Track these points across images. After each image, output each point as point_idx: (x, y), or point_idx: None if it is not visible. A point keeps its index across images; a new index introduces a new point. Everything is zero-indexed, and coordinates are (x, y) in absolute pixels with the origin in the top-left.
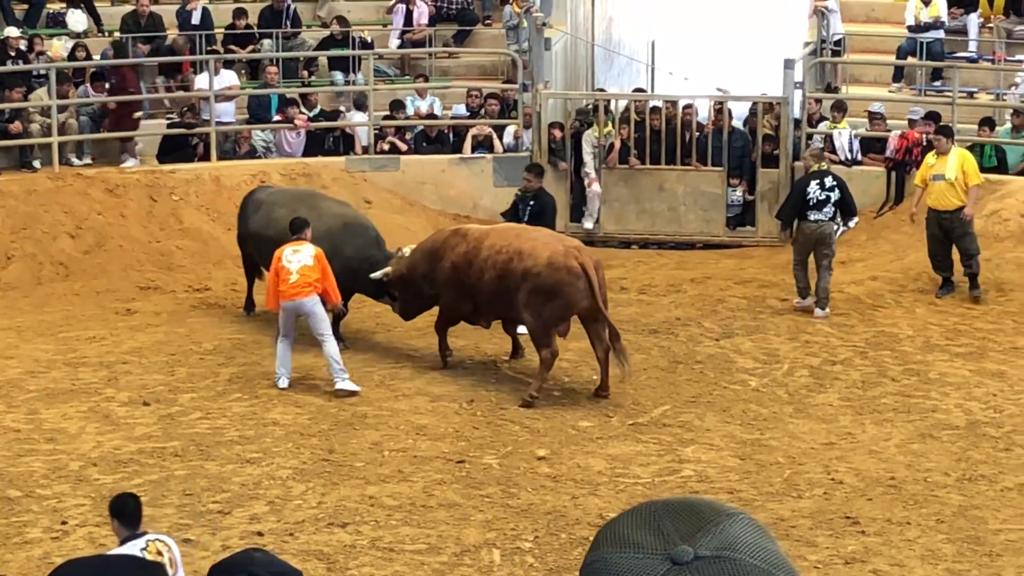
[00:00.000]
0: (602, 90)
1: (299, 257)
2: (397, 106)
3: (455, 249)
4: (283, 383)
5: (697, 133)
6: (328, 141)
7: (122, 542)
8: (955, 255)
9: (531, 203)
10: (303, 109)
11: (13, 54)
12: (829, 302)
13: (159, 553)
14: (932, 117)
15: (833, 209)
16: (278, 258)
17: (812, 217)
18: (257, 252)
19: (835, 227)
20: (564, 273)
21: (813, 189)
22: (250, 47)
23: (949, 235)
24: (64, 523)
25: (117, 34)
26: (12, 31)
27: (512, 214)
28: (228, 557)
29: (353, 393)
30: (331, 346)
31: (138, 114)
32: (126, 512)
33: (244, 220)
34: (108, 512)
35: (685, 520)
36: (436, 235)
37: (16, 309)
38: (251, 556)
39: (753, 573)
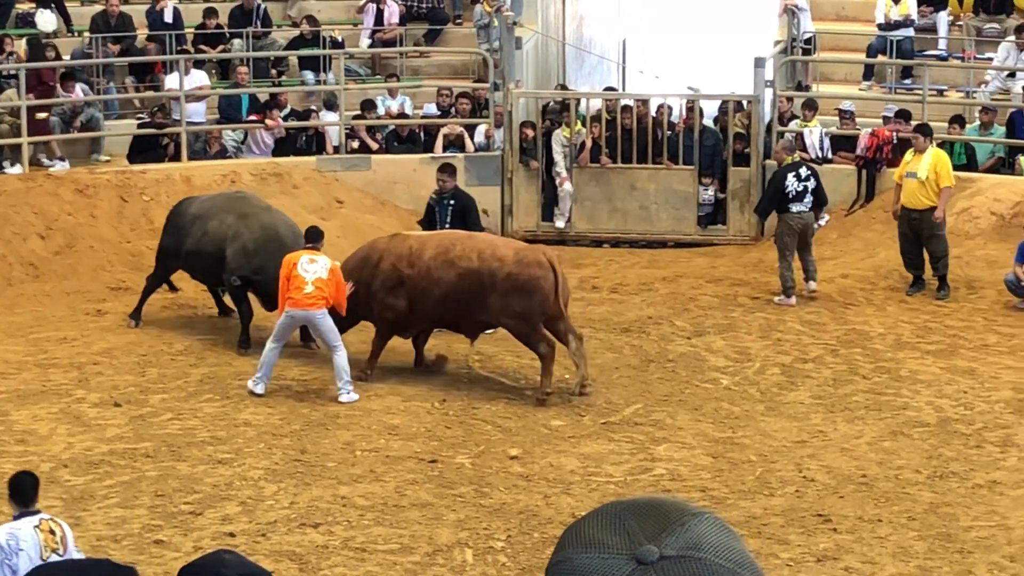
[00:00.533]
0: (563, 86)
1: (315, 268)
2: (368, 106)
3: (394, 251)
4: (260, 389)
5: (669, 132)
6: (300, 141)
7: (15, 518)
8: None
9: (451, 203)
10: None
11: None
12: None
13: (51, 532)
14: (903, 115)
15: (812, 199)
16: (292, 264)
17: (795, 209)
18: (193, 268)
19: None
20: (536, 268)
21: (791, 182)
22: (220, 47)
23: (919, 234)
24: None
25: (87, 34)
26: None
27: (429, 220)
28: (198, 559)
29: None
30: (342, 357)
31: (41, 115)
32: (22, 489)
33: (177, 235)
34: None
35: (651, 520)
36: (370, 242)
37: None
38: (221, 558)
39: (719, 573)
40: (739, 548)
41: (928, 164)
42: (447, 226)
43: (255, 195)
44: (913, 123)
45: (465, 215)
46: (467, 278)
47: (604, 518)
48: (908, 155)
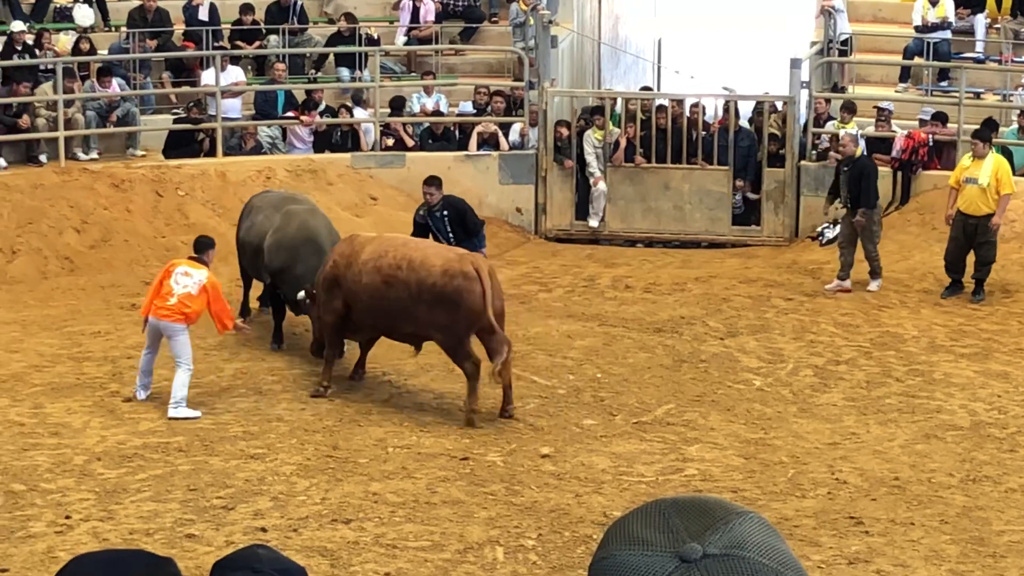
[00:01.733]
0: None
1: (186, 282)
2: (398, 103)
3: (339, 251)
4: (141, 395)
5: (704, 132)
6: (335, 137)
7: None
8: (969, 259)
9: (444, 213)
10: (317, 107)
11: (20, 48)
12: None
13: None
14: (939, 118)
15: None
16: (168, 271)
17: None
18: (240, 258)
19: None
20: (461, 279)
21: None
22: (256, 43)
23: (971, 240)
24: (68, 517)
25: (124, 29)
26: (19, 25)
27: (424, 231)
28: (232, 553)
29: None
30: (183, 375)
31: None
32: None
33: (239, 225)
34: None
35: (695, 518)
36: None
37: (21, 303)
38: (255, 552)
39: (762, 572)
40: (783, 548)
41: (990, 170)
42: (451, 236)
43: (308, 200)
44: (951, 126)
45: (463, 218)
46: (394, 287)
47: (648, 516)
48: (965, 160)
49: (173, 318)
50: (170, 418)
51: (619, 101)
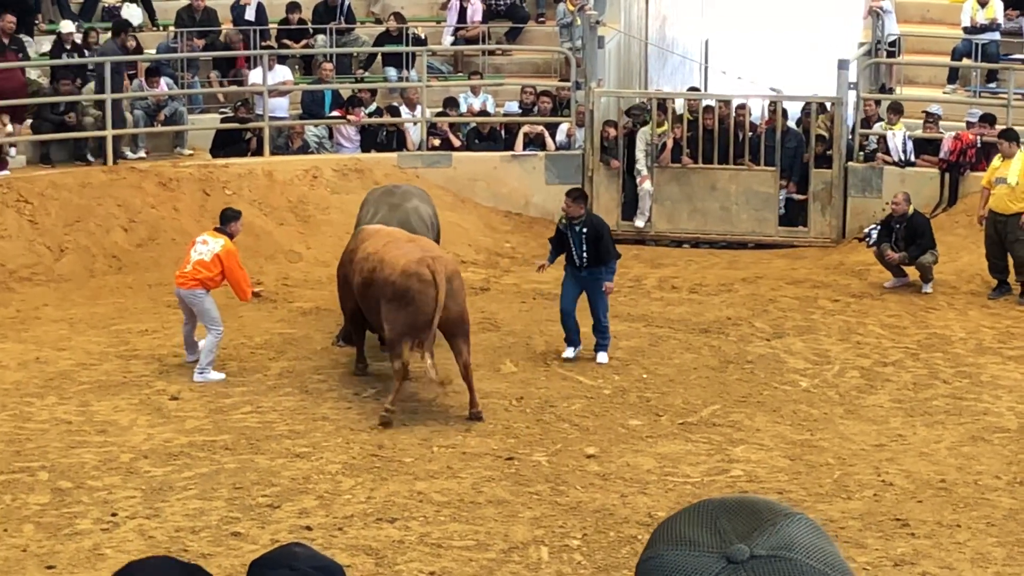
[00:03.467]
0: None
1: (203, 249)
2: (450, 103)
3: (348, 244)
4: (189, 358)
5: (750, 133)
6: (381, 136)
7: None
8: (1012, 262)
9: (583, 231)
10: (362, 105)
11: (68, 47)
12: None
13: None
14: (987, 119)
15: None
16: (192, 243)
17: None
18: None
19: None
20: (415, 281)
21: None
22: (303, 41)
23: (1003, 238)
24: (114, 515)
25: (172, 28)
26: (68, 25)
27: (559, 242)
28: (269, 552)
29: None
30: (211, 340)
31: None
32: None
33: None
34: None
35: (742, 519)
36: None
37: (69, 301)
38: (292, 551)
39: (809, 573)
40: (831, 550)
41: (1018, 169)
42: (584, 255)
43: (413, 189)
44: (998, 127)
45: (598, 241)
46: (367, 284)
47: (696, 516)
48: (996, 161)
49: (189, 285)
50: (195, 381)
51: (666, 101)
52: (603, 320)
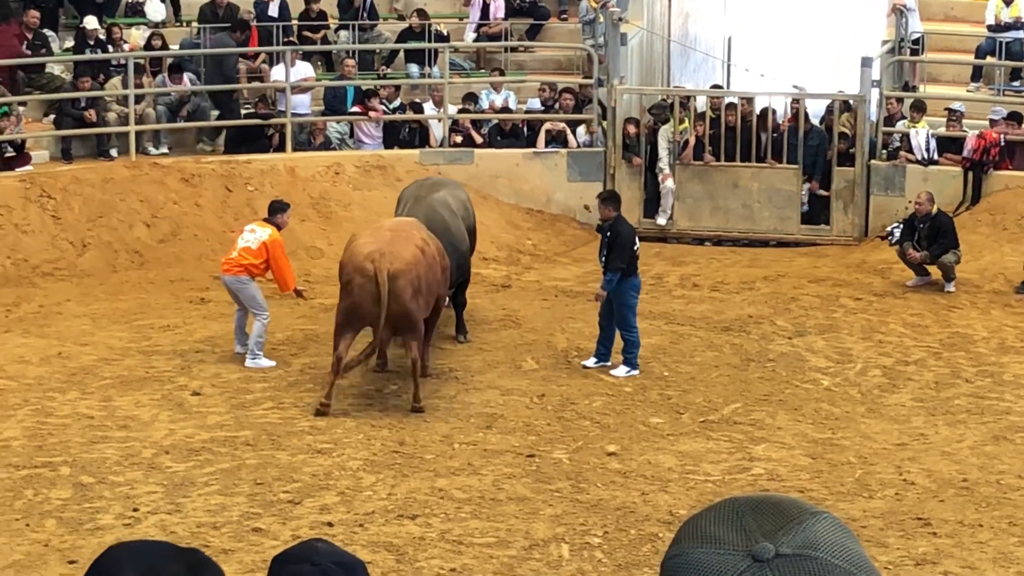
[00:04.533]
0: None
1: (250, 237)
2: (470, 99)
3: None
4: (237, 349)
5: (774, 134)
6: (403, 133)
7: None
8: None
9: (607, 234)
10: (384, 101)
11: (92, 43)
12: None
13: None
14: (1013, 117)
15: None
16: (240, 231)
17: None
18: None
19: None
20: (356, 274)
21: None
22: (322, 33)
23: None
24: (136, 510)
25: (195, 24)
26: (92, 22)
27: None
28: (290, 547)
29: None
30: (259, 326)
31: None
32: None
33: None
34: None
35: (768, 517)
36: None
37: (91, 296)
38: (314, 546)
39: (834, 572)
40: (856, 549)
41: None
42: (603, 256)
43: (443, 180)
44: None
45: (612, 246)
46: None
47: (722, 514)
48: None
49: (233, 271)
50: (247, 366)
51: (700, 99)
52: (623, 333)
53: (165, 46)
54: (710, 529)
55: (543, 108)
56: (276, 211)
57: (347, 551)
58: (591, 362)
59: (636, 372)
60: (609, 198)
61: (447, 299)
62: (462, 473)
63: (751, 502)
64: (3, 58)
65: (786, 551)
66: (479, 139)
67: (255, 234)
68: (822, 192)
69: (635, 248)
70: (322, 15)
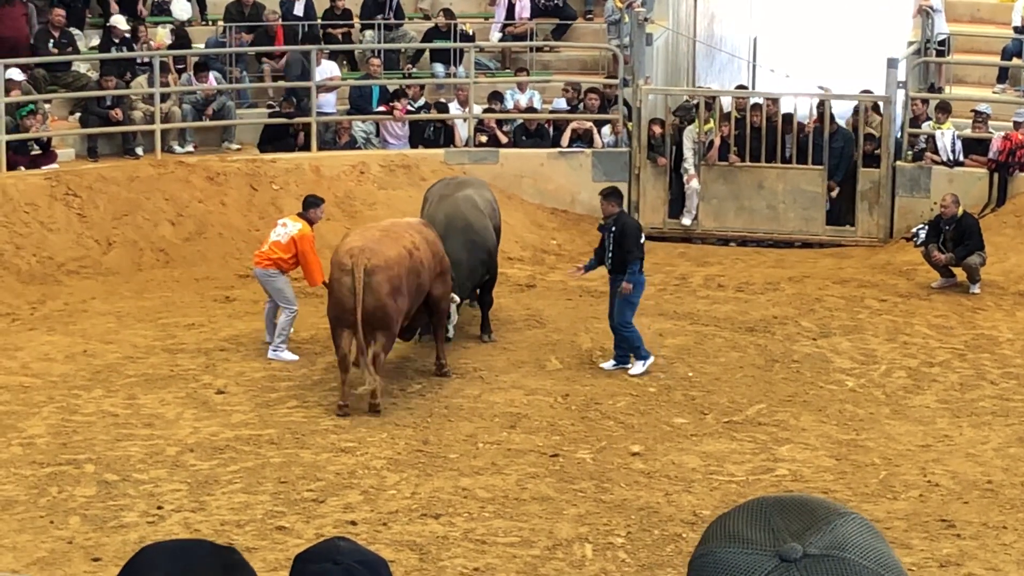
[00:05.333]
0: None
1: (280, 231)
2: (495, 98)
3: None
4: (284, 355)
5: (800, 135)
6: (428, 132)
7: None
8: None
9: (613, 228)
10: (411, 101)
11: (117, 41)
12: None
13: None
14: None
15: None
16: (274, 225)
17: None
18: None
19: None
20: (336, 269)
21: None
22: (343, 29)
23: None
24: (160, 508)
25: (221, 23)
26: (120, 20)
27: (601, 244)
28: (313, 546)
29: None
30: (285, 318)
31: None
32: None
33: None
34: None
35: (796, 518)
36: None
37: (116, 295)
38: (336, 545)
39: (862, 573)
40: (884, 550)
41: None
42: (611, 254)
43: (468, 179)
44: None
45: (622, 241)
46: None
47: (749, 513)
48: None
49: (263, 264)
50: (269, 359)
51: (726, 99)
52: (619, 328)
53: (190, 45)
54: (738, 529)
55: (569, 108)
56: (309, 206)
57: (370, 550)
58: (609, 364)
59: (652, 359)
60: (611, 194)
61: (467, 299)
62: (486, 472)
63: (779, 502)
64: (10, 37)
65: (814, 551)
66: (504, 139)
67: (286, 228)
68: (833, 194)
69: (642, 241)
70: (347, 14)
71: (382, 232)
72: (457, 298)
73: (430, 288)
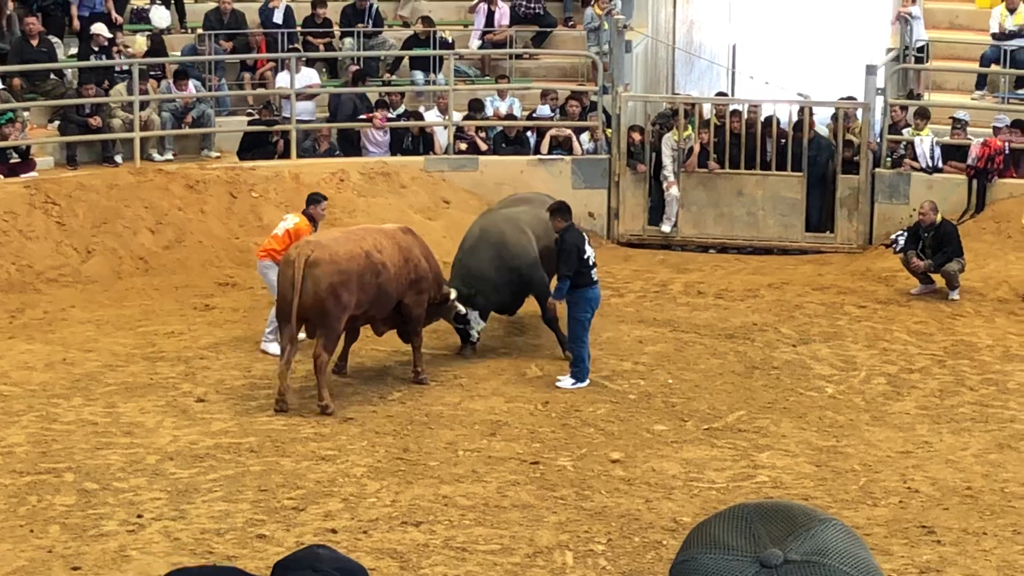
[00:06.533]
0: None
1: (281, 225)
2: (476, 106)
3: None
4: (272, 348)
5: (781, 141)
6: (407, 141)
7: None
8: None
9: (558, 242)
10: (391, 108)
11: (96, 49)
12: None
13: None
14: (1018, 125)
15: None
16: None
17: None
18: None
19: None
20: (283, 263)
21: None
22: (326, 39)
23: None
24: (140, 516)
25: (200, 30)
26: (101, 28)
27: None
28: (292, 554)
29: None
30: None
31: None
32: None
33: None
34: None
35: (777, 524)
36: None
37: (96, 303)
38: (315, 552)
39: None
40: (864, 556)
41: None
42: (561, 268)
43: (529, 196)
44: None
45: (559, 255)
46: None
47: (731, 520)
48: None
49: (260, 256)
50: (260, 351)
51: (705, 106)
52: (571, 346)
53: (163, 51)
54: (719, 535)
55: (550, 115)
56: (311, 202)
57: (349, 557)
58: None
59: (583, 384)
60: (558, 210)
61: (506, 313)
62: (466, 480)
63: (760, 508)
64: None
65: (795, 557)
66: (484, 146)
67: (285, 222)
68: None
69: (586, 256)
70: (327, 22)
71: (344, 233)
72: (462, 308)
73: (402, 295)
